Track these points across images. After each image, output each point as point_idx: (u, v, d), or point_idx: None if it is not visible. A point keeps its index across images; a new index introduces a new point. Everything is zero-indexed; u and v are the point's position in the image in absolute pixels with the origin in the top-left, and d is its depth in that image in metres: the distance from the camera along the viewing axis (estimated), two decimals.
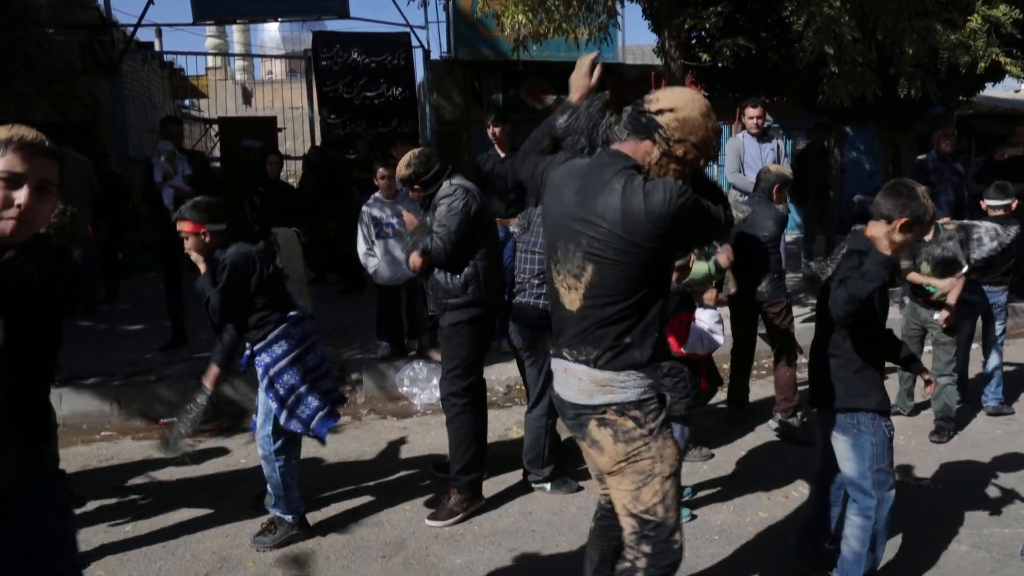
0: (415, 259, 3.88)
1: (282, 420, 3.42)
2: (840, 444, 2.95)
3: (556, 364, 2.31)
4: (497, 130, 5.80)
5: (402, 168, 3.78)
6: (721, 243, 3.69)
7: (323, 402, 3.51)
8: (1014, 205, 5.08)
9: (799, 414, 4.75)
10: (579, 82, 2.45)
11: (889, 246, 2.76)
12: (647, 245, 2.04)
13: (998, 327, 5.20)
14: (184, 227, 3.35)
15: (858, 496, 2.92)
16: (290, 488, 3.53)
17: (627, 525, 2.24)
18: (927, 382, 3.11)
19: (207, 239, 3.37)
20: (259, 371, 3.47)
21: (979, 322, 5.32)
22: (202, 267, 3.40)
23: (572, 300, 2.18)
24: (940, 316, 4.66)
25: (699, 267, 4.33)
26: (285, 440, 3.48)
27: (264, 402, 3.46)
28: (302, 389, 3.46)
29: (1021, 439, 4.73)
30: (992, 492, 4.01)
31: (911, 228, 2.78)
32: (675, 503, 2.23)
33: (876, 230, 2.85)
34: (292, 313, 3.53)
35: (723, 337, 3.51)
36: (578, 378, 2.20)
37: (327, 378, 3.63)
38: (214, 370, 3.55)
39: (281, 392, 3.42)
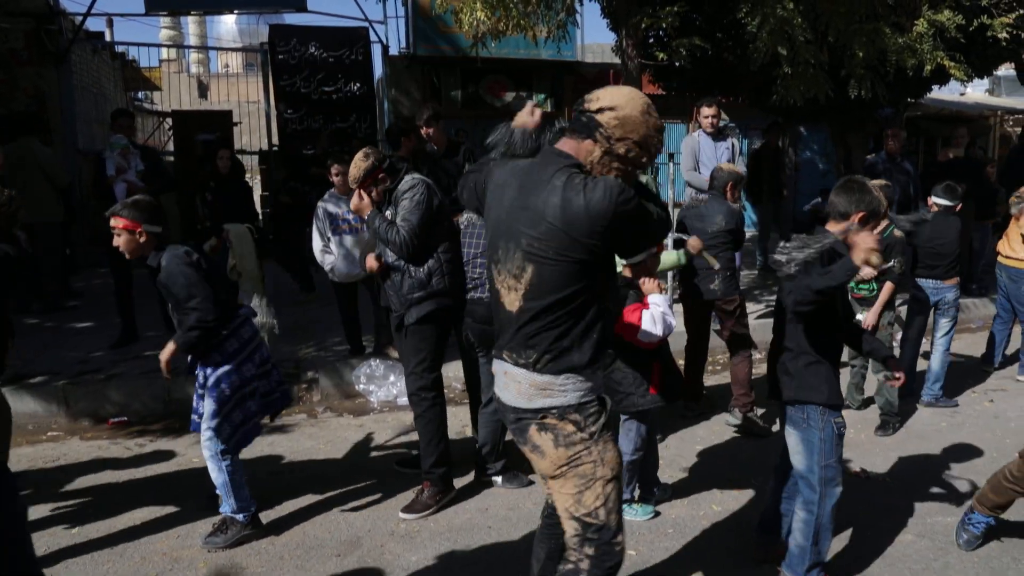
0: (371, 262, 3.87)
1: (214, 424, 3.38)
2: (791, 438, 3.00)
3: (496, 367, 2.30)
4: (430, 130, 5.82)
5: (360, 161, 3.71)
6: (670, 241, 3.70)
7: (261, 407, 3.53)
8: (958, 208, 5.28)
9: (756, 410, 4.83)
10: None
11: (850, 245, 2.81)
12: (586, 243, 2.03)
13: (945, 324, 5.34)
14: (118, 223, 3.30)
15: (804, 490, 2.97)
16: (239, 487, 3.48)
17: (569, 528, 2.23)
18: (896, 377, 3.10)
19: (141, 239, 3.32)
20: (205, 372, 3.43)
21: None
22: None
23: (512, 301, 2.16)
24: (864, 316, 4.79)
25: (668, 256, 4.38)
26: (230, 440, 3.45)
27: (208, 403, 3.41)
28: (246, 390, 3.45)
29: (964, 431, 4.88)
30: (936, 482, 4.13)
31: (867, 221, 2.88)
32: (616, 506, 2.22)
33: (834, 228, 2.91)
34: (240, 311, 3.49)
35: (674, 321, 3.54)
36: (517, 382, 2.19)
37: (271, 376, 3.61)
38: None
39: (226, 392, 3.39)
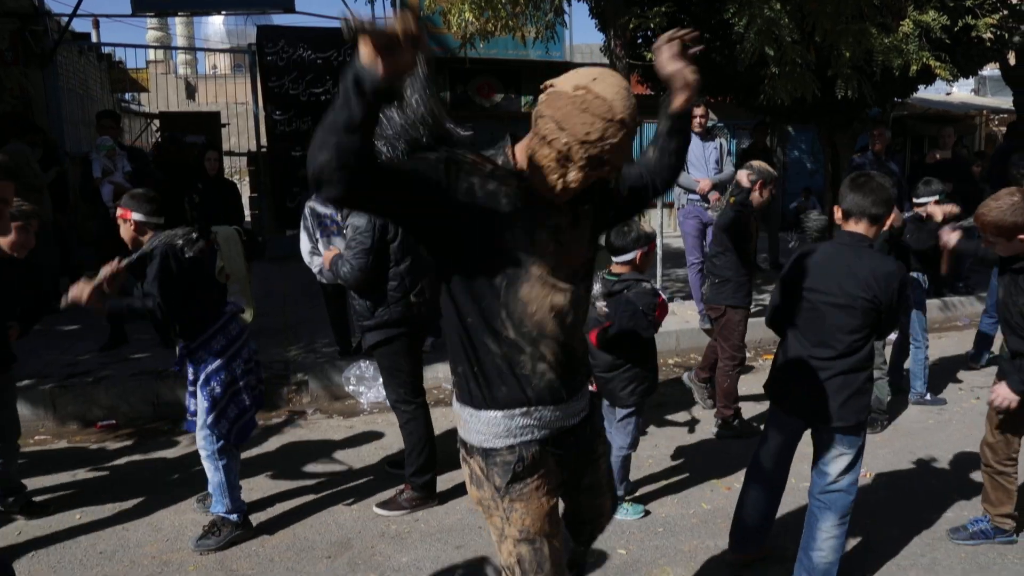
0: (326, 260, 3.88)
1: (210, 420, 3.38)
2: (844, 459, 2.88)
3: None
4: None
5: None
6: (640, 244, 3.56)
7: (253, 401, 3.51)
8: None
9: (738, 419, 4.82)
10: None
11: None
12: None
13: (917, 319, 5.36)
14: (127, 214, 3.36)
15: (840, 501, 2.90)
16: (233, 487, 3.48)
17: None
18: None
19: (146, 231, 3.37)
20: (195, 369, 3.42)
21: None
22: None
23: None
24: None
25: None
26: (227, 439, 3.45)
27: (200, 400, 3.41)
28: (238, 385, 3.44)
29: (951, 428, 4.91)
30: (924, 479, 4.16)
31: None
32: (536, 567, 1.90)
33: (860, 230, 2.84)
34: (226, 309, 3.49)
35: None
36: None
37: (254, 372, 3.61)
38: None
39: (217, 390, 3.38)
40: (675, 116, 2.07)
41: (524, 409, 1.84)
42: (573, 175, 1.70)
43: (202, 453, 3.47)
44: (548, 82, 1.75)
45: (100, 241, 6.17)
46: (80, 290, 3.04)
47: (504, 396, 1.83)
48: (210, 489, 3.51)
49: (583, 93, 1.65)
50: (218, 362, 3.39)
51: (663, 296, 3.52)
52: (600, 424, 2.25)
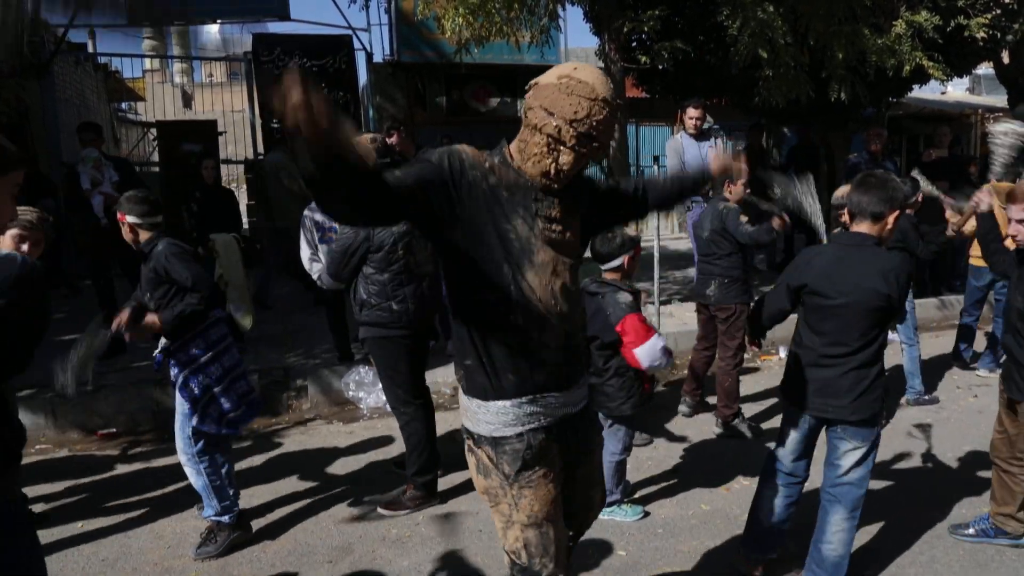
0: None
1: (194, 422, 3.39)
2: (856, 453, 2.90)
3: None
4: (392, 139, 5.84)
5: (366, 141, 3.75)
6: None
7: (237, 403, 3.49)
8: (920, 199, 5.33)
9: (740, 419, 4.84)
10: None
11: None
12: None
13: (905, 320, 5.38)
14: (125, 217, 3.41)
15: (852, 499, 2.92)
16: (220, 489, 3.47)
17: (504, 557, 2.11)
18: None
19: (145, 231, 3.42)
20: (174, 371, 3.43)
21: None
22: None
23: None
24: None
25: None
26: (207, 441, 3.44)
27: (179, 403, 3.42)
28: (217, 389, 3.43)
29: (950, 427, 4.93)
30: (923, 478, 4.18)
31: (899, 217, 2.89)
32: (542, 551, 2.01)
33: (871, 229, 2.85)
34: (212, 313, 3.50)
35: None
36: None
37: (242, 380, 3.60)
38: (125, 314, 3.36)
39: (196, 391, 3.38)
40: (709, 177, 2.45)
41: (531, 396, 1.95)
42: (565, 157, 1.86)
43: (182, 458, 3.46)
44: (533, 80, 1.92)
45: (90, 251, 6.21)
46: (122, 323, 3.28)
47: (513, 384, 1.93)
48: (199, 493, 3.51)
49: (567, 80, 1.84)
50: (197, 365, 3.39)
51: (639, 314, 3.35)
52: (596, 415, 2.31)
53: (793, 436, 3.06)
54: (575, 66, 1.89)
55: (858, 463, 2.92)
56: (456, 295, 1.96)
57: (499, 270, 1.87)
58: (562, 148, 1.85)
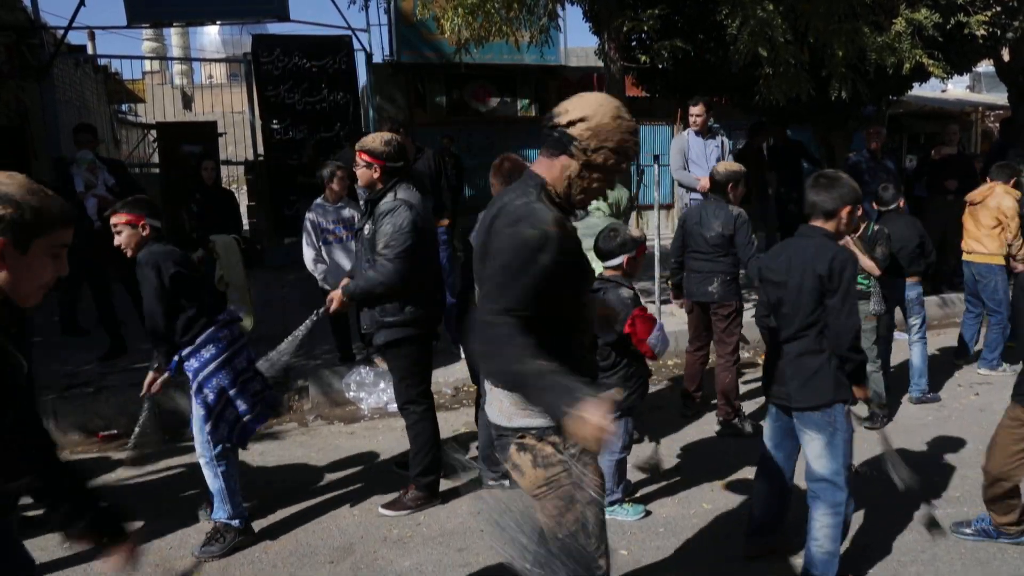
0: (337, 301, 3.78)
1: (208, 428, 3.40)
2: (814, 443, 2.95)
3: (486, 382, 2.27)
4: None
5: (380, 142, 3.69)
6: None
7: (251, 406, 3.50)
8: (902, 204, 5.40)
9: (741, 416, 4.85)
10: None
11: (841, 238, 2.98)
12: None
13: (914, 321, 5.38)
14: (120, 220, 3.38)
15: (829, 494, 2.94)
16: (234, 492, 3.49)
17: (552, 546, 2.15)
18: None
19: (144, 232, 3.40)
20: (188, 376, 3.44)
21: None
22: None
23: None
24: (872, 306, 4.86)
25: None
26: (224, 444, 3.46)
27: (195, 408, 3.43)
28: (232, 392, 3.45)
29: (950, 425, 4.92)
30: (923, 476, 4.16)
31: (854, 212, 2.97)
32: (597, 530, 2.16)
33: (824, 224, 2.95)
34: (220, 316, 3.50)
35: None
36: (499, 399, 2.15)
37: (255, 380, 3.61)
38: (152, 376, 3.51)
39: (210, 397, 3.40)
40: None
41: None
42: (609, 183, 2.15)
43: (201, 460, 3.48)
44: (576, 114, 2.04)
45: (86, 253, 6.19)
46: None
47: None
48: (211, 495, 3.52)
49: (623, 122, 2.07)
50: (209, 369, 3.41)
51: (641, 308, 3.55)
52: None
53: (767, 425, 3.22)
54: (615, 103, 2.08)
55: (822, 454, 2.95)
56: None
57: (573, 295, 2.13)
58: (610, 176, 2.11)
